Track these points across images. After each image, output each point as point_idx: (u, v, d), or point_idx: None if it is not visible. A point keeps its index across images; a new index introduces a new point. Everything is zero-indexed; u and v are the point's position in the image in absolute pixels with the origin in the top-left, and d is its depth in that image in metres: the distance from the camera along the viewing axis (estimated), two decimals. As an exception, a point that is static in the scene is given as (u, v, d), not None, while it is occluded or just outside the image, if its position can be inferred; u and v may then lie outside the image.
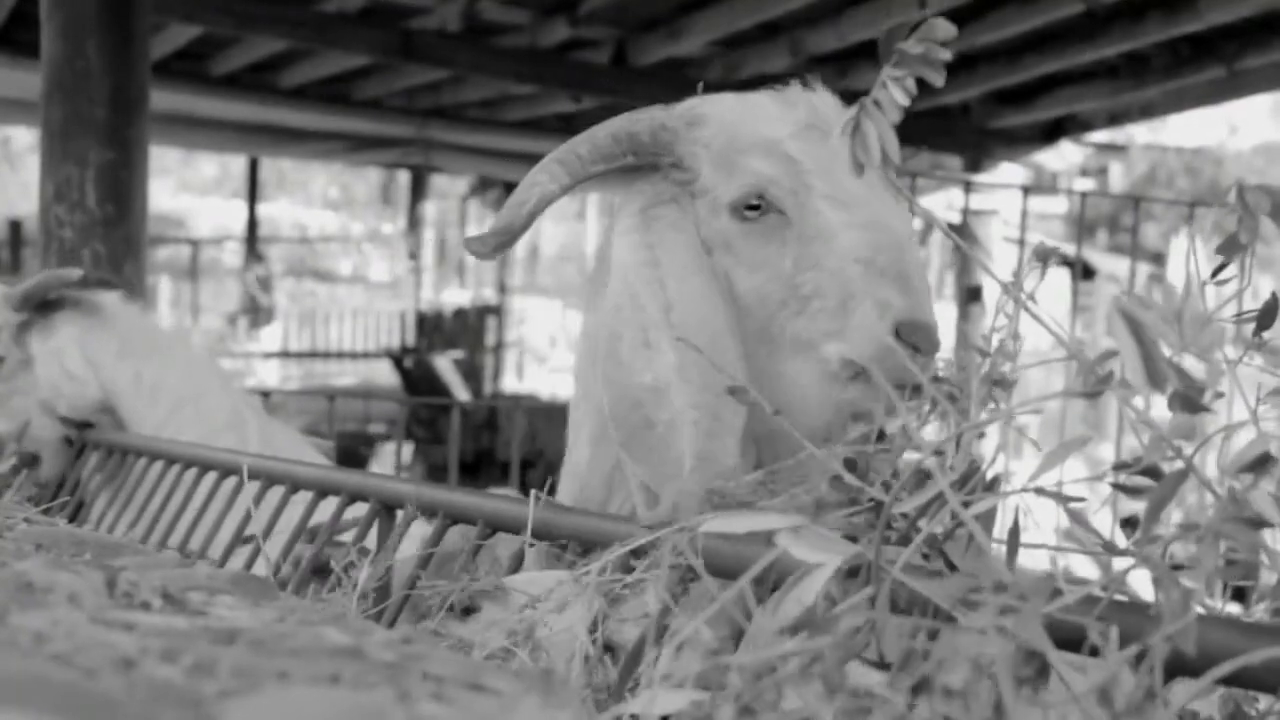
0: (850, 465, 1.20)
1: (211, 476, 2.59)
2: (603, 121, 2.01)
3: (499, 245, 1.95)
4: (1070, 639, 0.96)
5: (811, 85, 2.02)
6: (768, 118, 1.96)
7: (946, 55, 1.15)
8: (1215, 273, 1.28)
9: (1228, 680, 0.95)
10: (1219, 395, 1.06)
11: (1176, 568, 0.98)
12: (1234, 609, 1.34)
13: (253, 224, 17.34)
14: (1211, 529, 0.94)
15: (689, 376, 1.80)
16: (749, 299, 1.92)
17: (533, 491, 1.76)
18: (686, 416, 1.76)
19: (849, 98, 1.24)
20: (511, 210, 1.94)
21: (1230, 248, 1.20)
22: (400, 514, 1.99)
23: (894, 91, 1.15)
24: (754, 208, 1.92)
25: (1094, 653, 0.97)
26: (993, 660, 0.89)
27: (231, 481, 2.49)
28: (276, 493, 2.34)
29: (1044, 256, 1.30)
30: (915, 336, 1.78)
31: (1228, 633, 0.95)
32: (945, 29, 1.15)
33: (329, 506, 2.19)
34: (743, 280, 1.93)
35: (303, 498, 2.27)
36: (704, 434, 1.75)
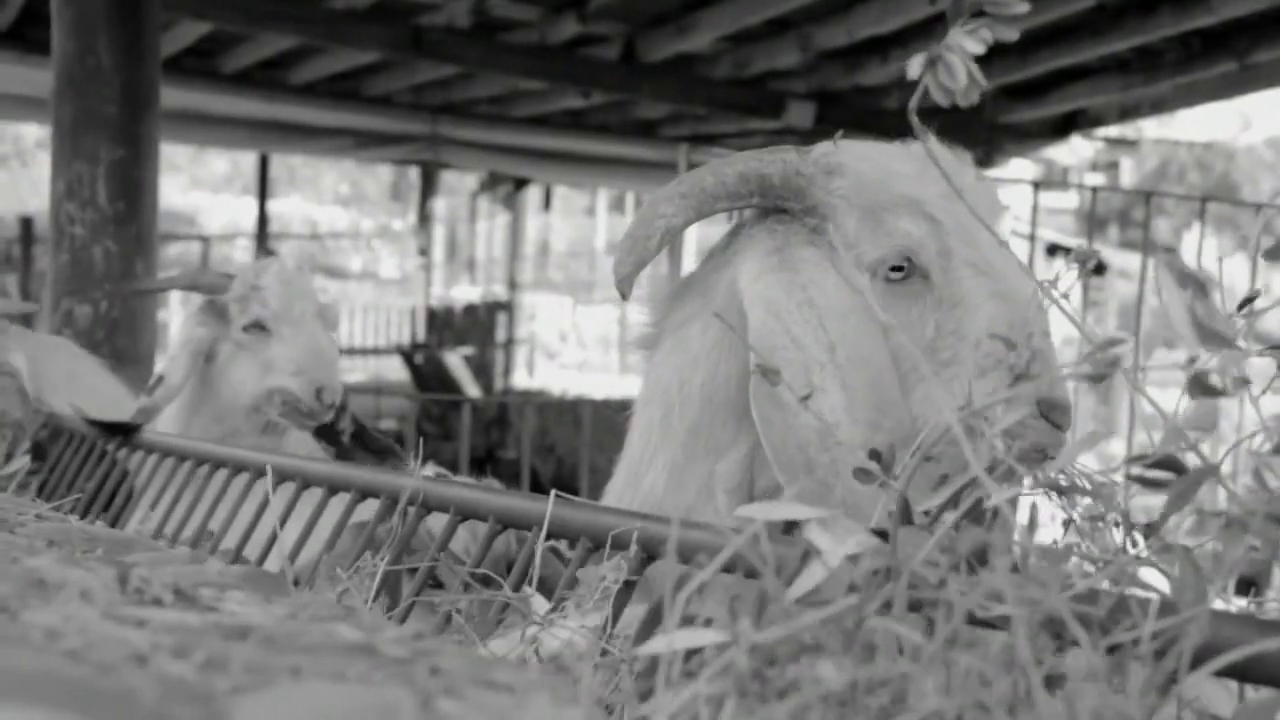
0: (875, 456, 1.19)
1: (223, 474, 2.60)
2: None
3: (634, 278, 1.94)
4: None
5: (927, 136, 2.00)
6: (908, 175, 1.94)
7: (1024, 7, 1.15)
8: (1245, 304, 1.26)
9: (1240, 674, 0.95)
10: (1244, 383, 1.06)
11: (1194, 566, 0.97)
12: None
13: (263, 220, 17.32)
14: (1236, 521, 0.94)
15: (857, 416, 1.79)
16: None
17: (553, 492, 1.76)
18: (860, 459, 1.75)
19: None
20: (638, 244, 1.93)
21: (1274, 255, 1.19)
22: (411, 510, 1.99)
23: (967, 43, 1.15)
24: (897, 268, 1.91)
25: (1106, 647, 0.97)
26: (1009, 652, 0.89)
27: (244, 479, 2.49)
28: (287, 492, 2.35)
29: (1084, 260, 1.29)
30: (1053, 414, 1.78)
31: (1242, 627, 0.95)
32: None
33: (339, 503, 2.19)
34: None
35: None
36: None
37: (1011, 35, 1.16)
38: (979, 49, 1.15)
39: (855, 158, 1.96)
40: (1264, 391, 1.16)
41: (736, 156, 1.97)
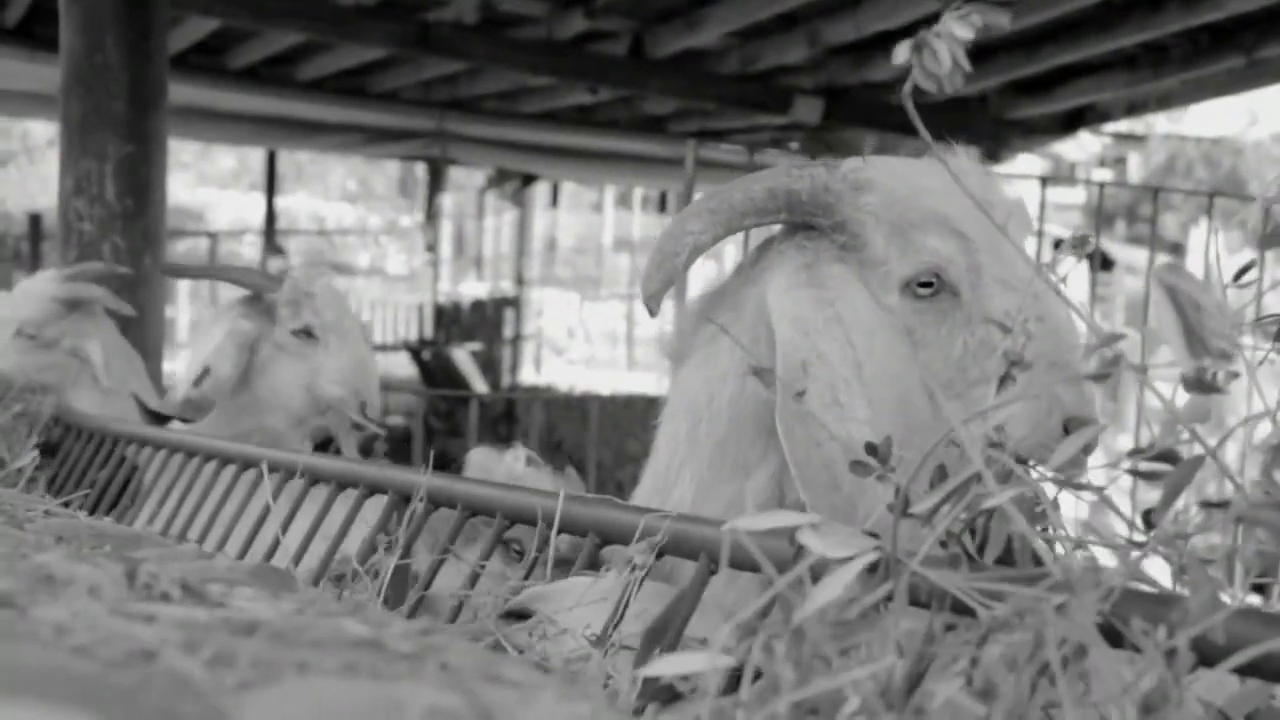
0: (871, 449, 1.19)
1: (231, 470, 2.60)
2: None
3: (662, 295, 1.94)
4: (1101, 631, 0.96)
5: (956, 149, 1.98)
6: (937, 190, 1.92)
7: None
8: (1240, 274, 1.26)
9: (1250, 671, 0.95)
10: (1234, 376, 1.06)
11: (1205, 562, 0.97)
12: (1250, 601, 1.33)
13: (271, 217, 17.32)
14: (1245, 516, 0.94)
15: (883, 433, 1.79)
16: None
17: (563, 490, 1.76)
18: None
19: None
20: (667, 259, 1.92)
21: (1271, 242, 1.18)
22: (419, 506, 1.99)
23: (956, 28, 1.14)
24: (926, 285, 1.91)
25: (1117, 642, 0.97)
26: (1026, 653, 0.89)
27: (251, 475, 2.50)
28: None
29: (1079, 245, 1.28)
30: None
31: (1251, 623, 0.95)
32: None
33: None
34: None
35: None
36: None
37: (1003, 24, 1.16)
38: (968, 34, 1.14)
39: (884, 174, 1.95)
40: (1264, 359, 1.16)
41: (766, 172, 1.96)
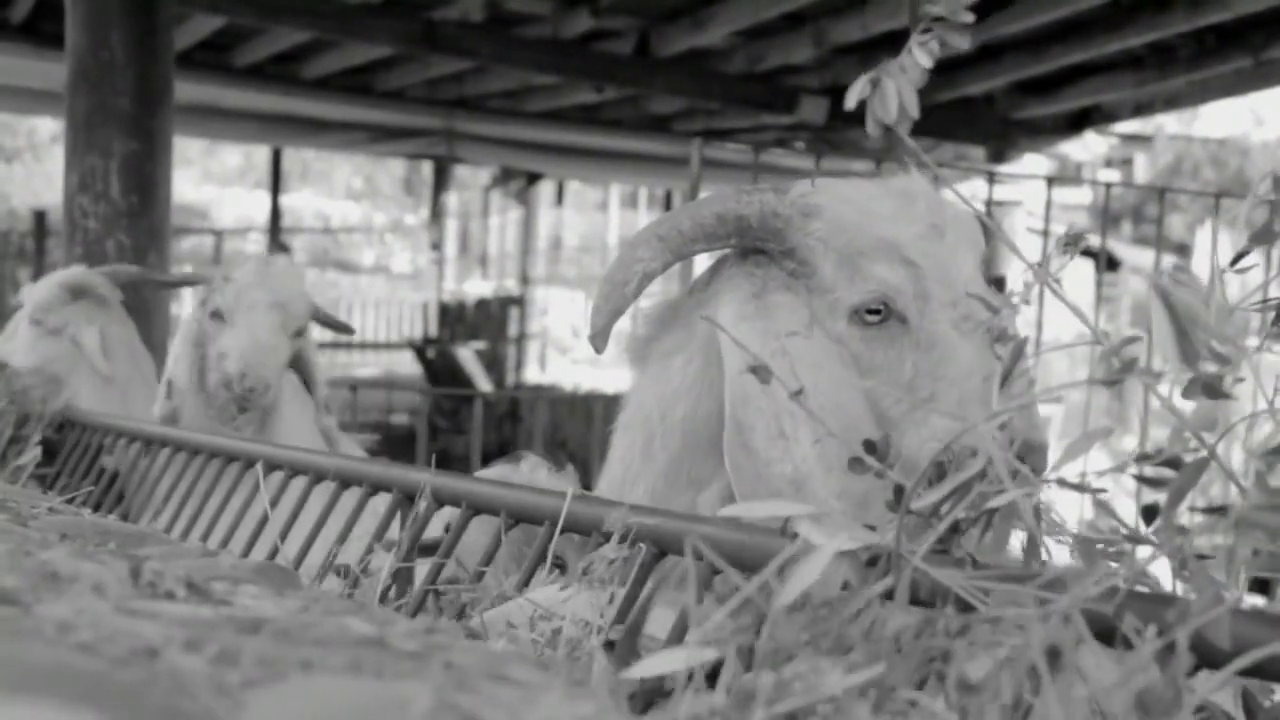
0: (870, 447, 1.19)
1: (235, 467, 2.60)
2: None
3: (609, 329, 1.95)
4: (1097, 631, 0.96)
5: (907, 167, 1.99)
6: (886, 216, 1.93)
7: (969, 17, 1.15)
8: (1235, 260, 1.26)
9: (1251, 672, 0.95)
10: (1239, 380, 1.06)
11: (1201, 557, 0.97)
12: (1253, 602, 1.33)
13: (276, 214, 17.36)
14: (1245, 518, 0.93)
15: (832, 465, 1.80)
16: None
17: (570, 489, 1.76)
18: (832, 507, 1.75)
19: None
20: (616, 290, 1.93)
21: (1263, 238, 1.19)
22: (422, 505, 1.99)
23: (918, 54, 1.15)
24: (874, 312, 1.91)
25: (1110, 641, 0.97)
26: (1018, 652, 0.89)
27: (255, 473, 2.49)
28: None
29: (1074, 240, 1.28)
30: (1030, 456, 1.77)
31: (1253, 625, 0.95)
32: None
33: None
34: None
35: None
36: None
37: (963, 45, 1.16)
38: (928, 63, 1.15)
39: (833, 199, 1.95)
40: (1260, 348, 1.15)
41: (714, 196, 1.96)
